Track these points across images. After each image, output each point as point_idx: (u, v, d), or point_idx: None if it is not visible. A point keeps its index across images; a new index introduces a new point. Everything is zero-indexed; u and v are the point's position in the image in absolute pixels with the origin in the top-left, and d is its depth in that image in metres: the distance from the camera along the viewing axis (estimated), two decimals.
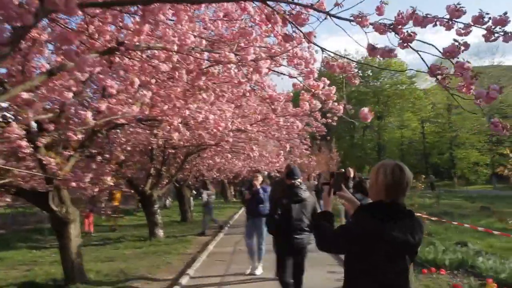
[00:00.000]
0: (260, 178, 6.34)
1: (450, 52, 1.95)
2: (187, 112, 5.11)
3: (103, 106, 3.44)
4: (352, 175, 6.09)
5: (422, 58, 2.01)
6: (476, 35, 1.98)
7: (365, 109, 2.65)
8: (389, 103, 39.70)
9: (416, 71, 3.19)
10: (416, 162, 40.31)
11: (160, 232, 9.58)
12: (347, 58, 3.24)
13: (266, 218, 4.44)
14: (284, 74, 4.04)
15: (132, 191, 9.96)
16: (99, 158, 7.93)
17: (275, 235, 4.11)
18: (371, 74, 39.36)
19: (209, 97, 6.04)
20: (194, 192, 22.60)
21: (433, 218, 8.84)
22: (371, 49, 2.04)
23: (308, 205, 4.05)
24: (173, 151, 9.06)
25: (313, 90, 3.99)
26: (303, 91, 4.11)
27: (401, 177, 1.75)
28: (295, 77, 4.06)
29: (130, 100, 4.28)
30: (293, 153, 10.38)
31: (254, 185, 6.22)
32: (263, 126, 8.47)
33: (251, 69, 3.78)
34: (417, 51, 2.02)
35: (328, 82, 4.06)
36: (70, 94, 3.12)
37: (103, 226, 13.20)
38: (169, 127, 5.36)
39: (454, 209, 14.54)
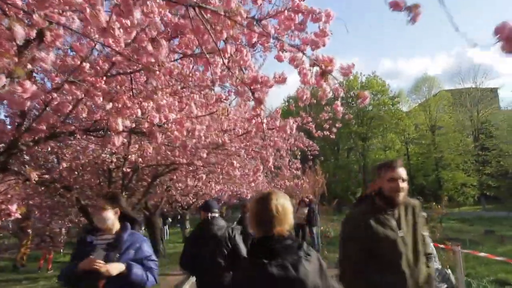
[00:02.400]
0: (109, 215, 2.52)
1: None
2: (140, 112, 3.63)
3: None
4: None
5: None
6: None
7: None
8: (372, 124, 39.04)
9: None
10: None
11: None
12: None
13: (182, 255, 3.78)
14: (278, 40, 2.58)
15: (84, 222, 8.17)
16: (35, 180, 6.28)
17: (191, 274, 3.74)
18: (353, 95, 38.74)
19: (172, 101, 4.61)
20: (170, 219, 20.69)
21: (441, 246, 7.40)
22: None
23: (221, 242, 3.54)
24: (128, 171, 7.42)
25: (322, 66, 2.55)
26: (307, 68, 2.66)
27: (263, 207, 1.66)
28: (294, 46, 2.61)
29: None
30: (280, 175, 8.87)
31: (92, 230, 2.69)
32: (245, 141, 7.08)
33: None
34: None
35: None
36: None
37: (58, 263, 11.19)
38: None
39: (457, 233, 13.22)
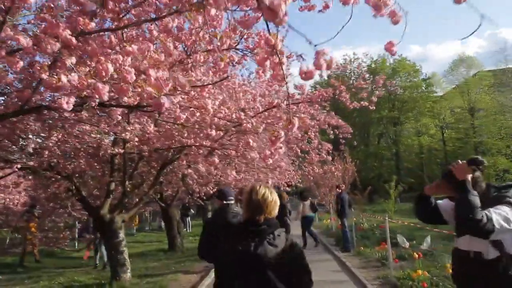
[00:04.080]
0: None
1: None
2: (111, 68, 2.58)
3: None
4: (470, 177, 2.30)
5: None
6: None
7: None
8: (405, 108, 36.81)
9: None
10: (438, 171, 37.29)
11: (126, 274, 6.82)
12: None
13: (199, 244, 3.49)
14: None
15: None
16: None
17: (210, 261, 3.33)
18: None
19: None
20: (192, 211, 19.87)
21: None
22: None
23: None
24: (133, 157, 6.44)
25: None
26: None
27: (252, 197, 1.98)
28: None
29: None
30: (308, 159, 7.64)
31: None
32: (266, 120, 6.00)
33: None
34: None
35: None
36: None
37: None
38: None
39: None
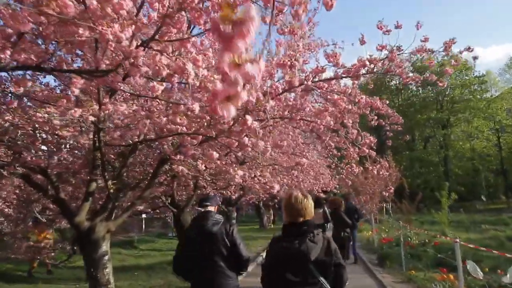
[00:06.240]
0: None
1: None
2: None
3: None
4: None
5: None
6: None
7: None
8: (455, 108, 33.54)
9: None
10: (494, 179, 33.78)
11: None
12: None
13: (173, 258, 3.23)
14: None
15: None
16: None
17: (186, 279, 3.25)
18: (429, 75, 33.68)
19: None
20: None
21: None
22: None
23: (217, 239, 3.07)
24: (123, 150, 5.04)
25: None
26: None
27: (291, 202, 2.33)
28: None
29: None
30: (346, 156, 5.91)
31: None
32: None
33: None
34: None
35: None
36: None
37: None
38: None
39: None
